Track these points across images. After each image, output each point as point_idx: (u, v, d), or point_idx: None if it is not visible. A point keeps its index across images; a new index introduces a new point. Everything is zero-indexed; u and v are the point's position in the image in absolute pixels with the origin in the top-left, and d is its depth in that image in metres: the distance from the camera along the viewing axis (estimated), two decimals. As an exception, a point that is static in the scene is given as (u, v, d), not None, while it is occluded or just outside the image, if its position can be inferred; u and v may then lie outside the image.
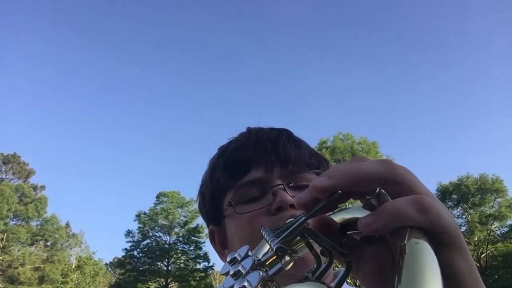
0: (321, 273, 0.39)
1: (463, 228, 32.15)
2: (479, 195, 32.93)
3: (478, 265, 30.44)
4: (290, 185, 0.81)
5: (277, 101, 59.30)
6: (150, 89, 60.07)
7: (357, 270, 0.42)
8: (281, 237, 0.37)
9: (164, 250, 35.61)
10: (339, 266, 0.61)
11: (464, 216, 33.93)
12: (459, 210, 34.42)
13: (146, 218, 36.28)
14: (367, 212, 0.37)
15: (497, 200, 32.61)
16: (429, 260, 0.30)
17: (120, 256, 39.66)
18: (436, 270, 0.30)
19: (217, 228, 0.91)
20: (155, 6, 56.99)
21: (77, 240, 42.67)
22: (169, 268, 35.52)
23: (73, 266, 41.24)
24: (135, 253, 35.93)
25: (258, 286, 0.33)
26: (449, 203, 33.84)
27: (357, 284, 0.38)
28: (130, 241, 36.27)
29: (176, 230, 36.64)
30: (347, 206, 0.44)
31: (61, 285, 37.54)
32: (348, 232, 0.42)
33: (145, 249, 35.73)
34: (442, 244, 0.34)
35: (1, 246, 34.63)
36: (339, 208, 0.42)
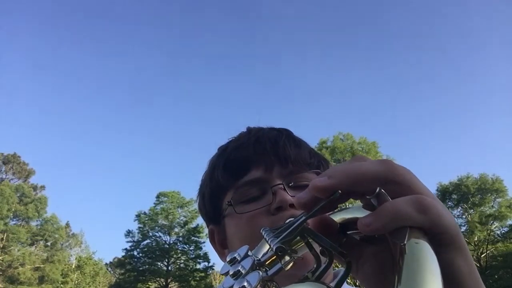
0: (321, 273, 0.39)
1: (463, 228, 32.14)
2: (479, 195, 32.93)
3: (478, 265, 30.45)
4: (290, 184, 0.81)
5: (277, 101, 59.37)
6: (150, 89, 60.14)
7: (357, 270, 0.42)
8: (280, 237, 0.37)
9: (164, 250, 35.62)
10: (339, 266, 0.61)
11: (464, 216, 33.94)
12: (459, 210, 34.43)
13: (146, 218, 36.29)
14: (367, 212, 0.37)
15: (497, 200, 32.62)
16: (429, 260, 0.30)
17: (120, 256, 39.73)
18: (436, 270, 0.30)
19: (217, 227, 0.91)
20: (155, 6, 57.06)
21: (77, 240, 42.69)
22: (169, 268, 35.53)
23: (73, 266, 41.25)
24: (135, 253, 35.95)
25: (258, 286, 0.33)
26: (449, 203, 33.83)
27: (357, 284, 0.39)
28: (130, 241, 36.32)
29: (176, 230, 36.66)
30: (347, 206, 0.44)
31: (61, 285, 37.54)
32: (348, 232, 0.42)
33: (145, 249, 35.74)
34: (442, 244, 0.34)
35: (1, 246, 34.63)
36: (339, 208, 0.42)
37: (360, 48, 55.83)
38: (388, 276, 0.36)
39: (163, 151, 60.59)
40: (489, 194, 32.75)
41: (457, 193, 34.11)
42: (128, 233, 36.45)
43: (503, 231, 32.90)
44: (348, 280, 0.74)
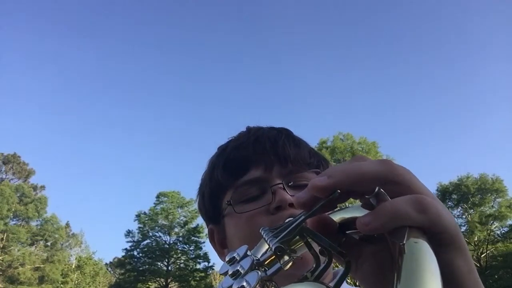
0: (320, 272, 0.39)
1: (463, 228, 32.14)
2: (479, 195, 32.92)
3: (478, 265, 30.45)
4: (290, 184, 0.81)
5: (277, 101, 59.39)
6: (150, 89, 60.13)
7: (356, 270, 0.42)
8: (280, 237, 0.37)
9: (164, 250, 35.61)
10: (339, 266, 0.60)
11: (464, 216, 33.93)
12: (459, 210, 34.42)
13: (146, 218, 36.28)
14: (366, 212, 0.37)
15: (497, 200, 32.61)
16: (428, 259, 0.30)
17: (120, 256, 39.73)
18: (435, 269, 0.30)
19: (216, 227, 0.91)
20: (155, 6, 57.05)
21: (77, 240, 42.68)
22: (169, 268, 35.52)
23: (73, 266, 41.23)
24: (135, 253, 35.94)
25: (257, 286, 0.33)
26: (449, 203, 33.83)
27: (357, 284, 0.42)
28: (130, 241, 36.31)
29: (176, 230, 36.65)
30: (347, 206, 0.44)
31: (61, 285, 37.53)
32: (347, 232, 0.42)
33: (145, 249, 35.73)
34: (442, 244, 0.34)
35: (1, 246, 34.63)
36: (338, 208, 0.42)
37: (360, 48, 55.87)
38: (387, 275, 0.36)
39: (163, 151, 60.65)
40: (489, 194, 32.74)
41: (457, 193, 34.10)
42: (128, 233, 36.48)
43: (503, 231, 32.92)
44: (348, 280, 0.74)
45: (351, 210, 0.42)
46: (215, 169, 0.89)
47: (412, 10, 53.83)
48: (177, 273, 35.43)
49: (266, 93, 58.84)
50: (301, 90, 58.59)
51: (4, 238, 34.63)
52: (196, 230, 36.25)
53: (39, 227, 37.45)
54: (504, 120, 47.61)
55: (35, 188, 38.75)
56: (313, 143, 0.97)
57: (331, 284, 0.37)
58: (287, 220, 0.41)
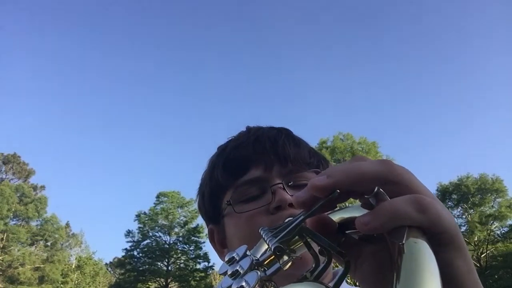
0: (319, 272, 0.39)
1: (463, 228, 32.16)
2: (479, 195, 32.92)
3: (478, 265, 30.45)
4: (289, 184, 0.81)
5: (277, 101, 59.40)
6: (150, 90, 60.13)
7: (355, 270, 0.42)
8: (279, 237, 0.37)
9: (164, 250, 35.61)
10: (339, 266, 0.61)
11: (464, 216, 33.93)
12: (459, 210, 34.42)
13: (146, 218, 36.27)
14: (366, 212, 0.37)
15: (497, 200, 32.60)
16: (428, 259, 0.30)
17: (120, 256, 39.72)
18: (434, 269, 0.29)
19: (216, 227, 0.91)
20: (155, 5, 57.05)
21: (77, 240, 42.67)
22: (169, 268, 35.52)
23: (73, 266, 41.22)
24: (135, 253, 35.94)
25: (256, 286, 0.33)
26: (449, 203, 33.83)
27: (357, 284, 0.44)
28: (130, 241, 36.31)
29: (176, 230, 36.65)
30: (346, 206, 0.44)
31: (61, 285, 37.52)
32: (347, 232, 0.42)
33: (145, 249, 35.73)
34: (441, 243, 0.34)
35: (1, 246, 34.63)
36: (338, 208, 0.42)
37: (360, 48, 55.88)
38: (387, 275, 0.36)
39: (163, 151, 60.66)
40: (489, 194, 32.74)
41: (457, 193, 34.10)
42: (128, 233, 36.48)
43: (503, 231, 32.91)
44: (348, 280, 0.74)
45: (350, 210, 0.41)
46: (215, 169, 0.89)
47: (412, 8, 53.89)
48: (177, 273, 35.43)
49: (266, 93, 58.92)
50: (301, 90, 58.65)
51: (4, 238, 34.63)
52: (196, 230, 36.25)
53: (39, 227, 37.45)
54: (504, 120, 47.65)
55: (35, 188, 38.76)
56: (313, 143, 0.97)
57: (331, 284, 0.37)
58: (286, 220, 0.41)
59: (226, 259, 0.39)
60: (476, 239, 31.94)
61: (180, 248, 36.36)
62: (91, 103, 58.31)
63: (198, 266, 36.06)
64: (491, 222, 31.94)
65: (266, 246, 0.38)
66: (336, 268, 0.83)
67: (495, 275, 30.26)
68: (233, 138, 0.94)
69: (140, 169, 61.96)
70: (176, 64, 58.08)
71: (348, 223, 0.41)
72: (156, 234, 36.48)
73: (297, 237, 0.38)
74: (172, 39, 58.30)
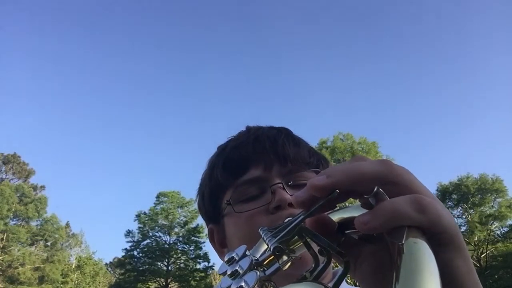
0: (319, 272, 0.39)
1: (463, 228, 32.16)
2: (479, 195, 32.92)
3: (478, 265, 30.46)
4: (289, 183, 0.81)
5: (277, 101, 59.40)
6: (150, 90, 60.15)
7: (355, 269, 0.42)
8: (278, 237, 0.37)
9: (164, 250, 35.61)
10: (339, 266, 0.63)
11: (464, 216, 33.94)
12: (459, 210, 34.43)
13: (146, 218, 36.28)
14: (365, 211, 0.37)
15: (497, 200, 32.60)
16: (427, 259, 0.30)
17: (120, 256, 39.72)
18: (434, 269, 0.29)
19: (216, 227, 0.91)
20: (155, 5, 57.05)
21: (77, 240, 42.67)
22: (169, 268, 35.52)
23: (73, 266, 41.22)
24: (135, 253, 35.93)
25: (256, 286, 0.33)
26: (449, 203, 33.84)
27: (357, 284, 0.45)
28: (130, 241, 36.30)
29: (176, 230, 36.65)
30: (346, 206, 0.44)
31: (61, 285, 37.52)
32: (346, 231, 0.42)
33: (145, 249, 35.73)
34: (441, 243, 0.34)
35: (1, 246, 34.63)
36: (337, 207, 0.42)
37: (360, 48, 55.88)
38: (387, 275, 0.36)
39: (163, 151, 60.65)
40: (489, 194, 32.74)
41: (457, 193, 34.10)
42: (128, 233, 36.47)
43: (503, 231, 32.92)
44: (347, 280, 0.74)
45: (350, 210, 0.41)
46: (214, 169, 0.89)
47: (412, 9, 53.88)
48: (177, 273, 35.43)
49: (266, 93, 58.93)
50: (301, 90, 58.66)
51: (4, 238, 34.63)
52: (196, 230, 36.25)
53: (39, 227, 37.45)
54: (504, 120, 47.65)
55: (35, 188, 38.76)
56: (313, 143, 0.97)
57: (330, 284, 0.37)
58: (286, 220, 0.41)
59: (226, 259, 0.39)
60: (476, 239, 31.94)
61: (180, 248, 36.36)
62: (91, 103, 58.36)
63: (198, 266, 36.08)
64: (491, 222, 31.95)
65: (266, 246, 0.38)
66: (336, 268, 0.83)
67: (495, 275, 30.25)
68: (233, 137, 0.94)
69: (140, 169, 62.02)
70: (176, 64, 58.13)
71: (348, 223, 0.41)
72: (156, 234, 36.50)
73: (296, 237, 0.38)
74: (172, 39, 58.35)
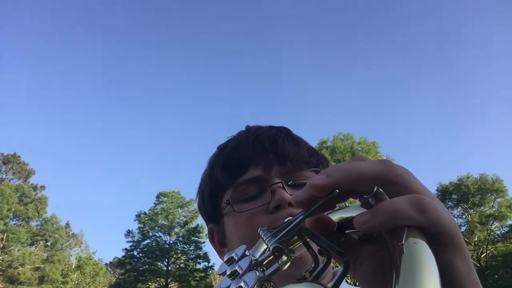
0: (318, 272, 0.39)
1: (463, 228, 32.17)
2: (479, 195, 32.93)
3: (478, 265, 30.46)
4: (289, 183, 0.81)
5: (277, 101, 59.39)
6: (150, 89, 60.14)
7: (355, 270, 0.42)
8: (278, 237, 0.37)
9: (164, 250, 35.61)
10: (339, 266, 0.62)
11: (464, 216, 33.95)
12: (459, 210, 34.43)
13: (146, 218, 36.28)
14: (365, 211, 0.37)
15: (497, 200, 32.62)
16: (427, 260, 0.30)
17: (120, 256, 39.72)
18: (434, 270, 0.29)
19: (216, 226, 0.91)
20: (155, 6, 57.03)
21: (77, 240, 42.67)
22: (169, 268, 35.52)
23: (73, 266, 41.21)
24: (135, 253, 35.94)
25: (255, 286, 0.33)
26: (449, 203, 33.85)
27: (357, 284, 0.45)
28: (130, 241, 36.32)
29: (176, 230, 36.66)
30: (346, 205, 0.44)
31: (61, 285, 37.52)
32: (346, 231, 0.42)
33: (145, 249, 35.73)
34: (441, 244, 0.34)
35: (1, 246, 34.63)
36: (337, 207, 0.42)
37: (360, 48, 55.86)
38: (386, 275, 0.35)
39: (163, 151, 60.65)
40: (489, 194, 32.75)
41: (457, 193, 34.11)
42: (128, 233, 36.48)
43: (503, 231, 32.94)
44: (347, 280, 0.74)
45: (350, 210, 0.41)
46: (214, 169, 0.89)
47: (412, 10, 53.87)
48: (177, 273, 35.43)
49: (266, 93, 58.92)
50: (301, 90, 58.64)
51: (4, 238, 34.63)
52: (196, 230, 36.25)
53: (39, 227, 37.45)
54: (504, 120, 47.65)
55: (35, 188, 38.76)
56: (313, 143, 0.97)
57: (330, 285, 0.37)
58: (286, 220, 0.41)
59: (225, 259, 0.39)
60: (476, 239, 31.94)
61: (180, 248, 36.37)
62: (91, 103, 58.35)
63: (198, 266, 36.09)
64: (491, 222, 31.95)
65: (265, 246, 0.38)
66: (336, 268, 0.83)
67: (495, 275, 30.26)
68: (232, 137, 0.94)
69: (140, 169, 62.01)
70: (176, 64, 58.11)
71: (348, 223, 0.40)
72: (156, 234, 36.51)
73: (296, 237, 0.38)
74: (172, 39, 58.34)
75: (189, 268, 35.77)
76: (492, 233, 32.50)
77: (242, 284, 0.33)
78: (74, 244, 42.16)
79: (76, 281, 40.49)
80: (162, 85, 58.77)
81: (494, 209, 32.54)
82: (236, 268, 0.36)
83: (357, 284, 0.45)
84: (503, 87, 48.03)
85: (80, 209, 61.51)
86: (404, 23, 54.87)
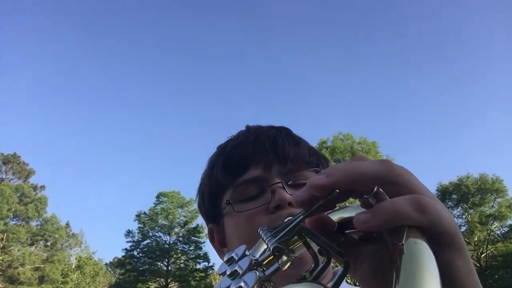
0: (318, 272, 0.39)
1: (463, 228, 32.16)
2: (479, 195, 32.92)
3: (478, 265, 30.45)
4: (289, 183, 0.81)
5: (277, 101, 59.38)
6: (150, 89, 60.15)
7: (355, 270, 0.42)
8: (278, 237, 0.37)
9: (164, 250, 35.61)
10: (339, 266, 0.62)
11: (464, 216, 33.94)
12: (459, 210, 34.42)
13: (146, 218, 36.27)
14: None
15: (497, 200, 32.60)
16: (427, 260, 0.30)
17: (120, 256, 39.72)
18: (434, 270, 0.29)
19: (216, 226, 0.91)
20: (155, 6, 57.04)
21: (77, 240, 42.66)
22: (169, 268, 35.51)
23: (73, 266, 41.21)
24: (135, 253, 35.93)
25: (255, 286, 0.33)
26: (449, 203, 33.83)
27: (357, 284, 0.45)
28: (130, 241, 36.30)
29: (176, 230, 36.65)
30: (346, 205, 0.44)
31: (61, 285, 37.51)
32: (346, 231, 0.42)
33: (145, 249, 35.72)
34: (441, 244, 0.34)
35: (1, 246, 34.61)
36: (337, 207, 0.42)
37: (360, 48, 55.86)
38: (387, 275, 0.35)
39: (163, 151, 60.64)
40: (489, 194, 32.73)
41: (457, 193, 34.10)
42: (128, 233, 36.47)
43: (503, 231, 32.92)
44: (347, 280, 0.74)
45: (350, 210, 0.41)
46: (214, 168, 0.89)
47: (412, 10, 53.86)
48: (177, 273, 35.43)
49: (266, 93, 58.91)
50: (301, 90, 58.64)
51: (4, 238, 34.62)
52: (196, 230, 36.25)
53: (39, 227, 37.44)
54: (504, 120, 47.65)
55: (35, 188, 38.75)
56: (313, 143, 0.97)
57: (330, 285, 0.37)
58: (286, 220, 0.41)
59: (225, 259, 0.39)
60: (476, 239, 31.94)
61: (180, 248, 36.36)
62: (91, 103, 58.33)
63: (198, 266, 36.08)
64: (491, 222, 31.94)
65: (265, 246, 0.38)
66: (336, 268, 0.83)
67: (495, 275, 30.26)
68: (232, 137, 0.94)
69: (140, 169, 62.00)
70: (176, 64, 58.10)
71: (348, 223, 0.40)
72: (156, 234, 36.49)
73: (296, 237, 0.38)
74: (172, 39, 58.33)
75: (189, 268, 35.77)
76: (492, 233, 32.49)
77: (242, 284, 0.33)
78: (74, 244, 42.18)
79: (76, 281, 40.49)
80: (162, 85, 58.83)
81: (494, 209, 32.53)
82: (236, 268, 0.36)
83: (357, 284, 0.45)
84: (503, 87, 48.08)
85: (80, 209, 61.54)
86: (404, 23, 54.92)
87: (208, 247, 35.98)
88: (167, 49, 58.40)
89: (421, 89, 53.15)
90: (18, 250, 35.63)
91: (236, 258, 0.38)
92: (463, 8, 51.03)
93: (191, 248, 36.31)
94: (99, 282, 44.08)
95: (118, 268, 40.93)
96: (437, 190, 34.77)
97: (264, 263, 0.36)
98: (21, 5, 52.12)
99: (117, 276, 41.84)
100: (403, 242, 0.32)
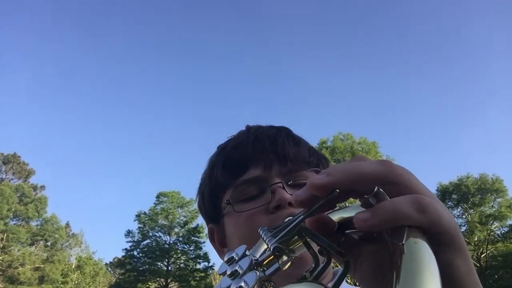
0: (319, 272, 0.39)
1: (463, 228, 32.15)
2: (479, 195, 32.92)
3: (478, 265, 30.46)
4: (289, 183, 0.81)
5: (277, 101, 59.38)
6: (150, 89, 60.15)
7: (355, 269, 0.42)
8: (278, 237, 0.37)
9: (164, 250, 35.61)
10: (339, 265, 0.62)
11: (464, 216, 33.94)
12: (459, 210, 34.43)
13: (146, 218, 36.27)
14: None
15: (497, 200, 32.60)
16: (428, 260, 0.30)
17: (120, 256, 39.72)
18: (434, 270, 0.29)
19: (216, 226, 0.91)
20: (155, 6, 57.03)
21: (77, 240, 42.66)
22: (169, 268, 35.52)
23: (73, 266, 41.21)
24: (135, 253, 35.94)
25: (255, 286, 0.33)
26: (449, 203, 33.83)
27: (357, 284, 0.45)
28: (130, 241, 36.30)
29: (176, 230, 36.65)
30: (346, 205, 0.44)
31: (61, 285, 37.51)
32: (347, 231, 0.42)
33: (145, 249, 35.73)
34: (442, 244, 0.34)
35: (1, 246, 34.62)
36: (338, 207, 0.41)
37: (360, 48, 55.86)
38: (387, 275, 0.35)
39: (163, 151, 60.63)
40: (489, 194, 32.74)
41: (457, 193, 34.10)
42: (128, 233, 36.47)
43: (503, 231, 32.93)
44: (348, 280, 0.74)
45: (350, 210, 0.41)
46: (214, 168, 0.89)
47: (412, 10, 53.86)
48: (177, 273, 35.43)
49: (266, 93, 58.91)
50: (301, 90, 58.64)
51: (4, 238, 34.62)
52: (196, 230, 36.25)
53: (39, 227, 37.44)
54: (504, 120, 47.66)
55: (35, 188, 38.75)
56: (313, 143, 0.97)
57: (330, 284, 0.37)
58: (286, 220, 0.40)
59: (225, 259, 0.39)
60: (476, 239, 31.94)
61: (180, 248, 36.36)
62: (91, 103, 58.33)
63: (198, 266, 36.08)
64: (491, 222, 31.95)
65: (266, 246, 0.38)
66: (336, 268, 0.83)
67: (495, 275, 30.26)
68: (232, 137, 0.94)
69: (140, 169, 61.99)
70: (176, 64, 58.10)
71: (348, 222, 0.40)
72: (156, 234, 36.50)
73: (296, 237, 0.38)
74: (172, 40, 58.32)
75: (189, 268, 35.77)
76: (492, 233, 32.49)
77: (243, 284, 0.33)
78: (74, 244, 42.18)
79: (76, 281, 40.48)
80: (162, 85, 58.82)
81: (494, 209, 32.53)
82: (237, 268, 0.36)
83: (357, 284, 0.45)
84: (503, 87, 48.08)
85: (80, 209, 61.54)
86: (404, 23, 54.92)
87: (208, 247, 36.05)
88: (167, 49, 58.46)
89: (421, 89, 53.19)
90: (18, 250, 35.64)
91: (237, 258, 0.38)
92: (463, 8, 51.09)
93: (191, 248, 36.33)
94: (99, 282, 44.08)
95: (118, 268, 40.93)
96: (437, 190, 34.78)
97: (265, 263, 0.36)
98: (21, 5, 52.16)
99: (117, 276, 41.84)
100: (403, 242, 0.32)
